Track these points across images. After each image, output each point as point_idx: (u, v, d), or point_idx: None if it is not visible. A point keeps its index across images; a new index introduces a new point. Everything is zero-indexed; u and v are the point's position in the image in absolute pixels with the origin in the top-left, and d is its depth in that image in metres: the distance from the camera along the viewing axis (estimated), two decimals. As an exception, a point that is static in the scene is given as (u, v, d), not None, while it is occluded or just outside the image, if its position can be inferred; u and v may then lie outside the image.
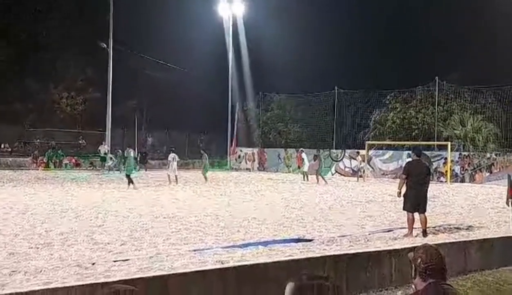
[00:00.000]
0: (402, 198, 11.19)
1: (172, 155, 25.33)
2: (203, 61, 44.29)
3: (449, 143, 30.22)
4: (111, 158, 34.52)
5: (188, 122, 43.79)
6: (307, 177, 28.64)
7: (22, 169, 33.39)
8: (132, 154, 23.71)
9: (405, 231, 10.96)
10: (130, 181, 21.78)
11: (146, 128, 45.19)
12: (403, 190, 11.19)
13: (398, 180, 12.55)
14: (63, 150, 37.83)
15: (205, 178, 26.06)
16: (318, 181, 27.18)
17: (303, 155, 29.74)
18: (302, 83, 42.55)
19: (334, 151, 36.24)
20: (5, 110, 39.84)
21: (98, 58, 40.57)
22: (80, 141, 41.59)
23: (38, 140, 39.38)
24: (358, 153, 33.14)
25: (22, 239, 9.65)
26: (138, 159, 33.79)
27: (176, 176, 24.67)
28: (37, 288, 5.84)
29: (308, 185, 26.15)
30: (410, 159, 12.89)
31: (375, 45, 48.71)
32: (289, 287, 2.11)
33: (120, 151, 25.39)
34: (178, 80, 47.24)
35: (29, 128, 41.32)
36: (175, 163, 25.13)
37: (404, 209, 11.10)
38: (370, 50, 48.57)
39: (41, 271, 7.09)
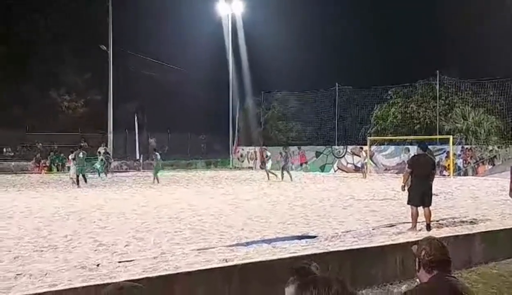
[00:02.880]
0: (406, 192, 11.20)
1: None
2: (202, 61, 44.28)
3: (451, 137, 30.20)
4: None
5: (189, 123, 43.78)
6: (267, 175, 27.62)
7: (25, 173, 33.43)
8: (81, 155, 24.95)
9: (409, 225, 10.95)
10: (80, 180, 23.91)
11: (147, 129, 45.20)
12: (408, 184, 11.19)
13: (401, 175, 12.54)
14: (65, 154, 37.77)
15: (156, 179, 25.46)
16: (289, 176, 26.46)
17: (267, 153, 29.14)
18: (302, 81, 42.62)
19: (336, 147, 36.25)
20: (6, 114, 39.85)
21: (98, 60, 40.57)
22: (82, 144, 41.56)
23: (40, 144, 39.38)
24: (361, 148, 33.08)
25: (27, 242, 9.67)
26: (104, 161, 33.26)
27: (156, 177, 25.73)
28: (42, 290, 5.86)
29: (272, 184, 25.05)
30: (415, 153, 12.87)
31: (375, 41, 48.69)
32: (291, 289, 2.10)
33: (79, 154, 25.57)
34: (178, 81, 47.26)
35: (30, 132, 41.34)
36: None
37: (408, 203, 11.08)
38: (370, 46, 48.53)
39: (46, 274, 7.09)
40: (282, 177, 26.68)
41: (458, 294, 3.12)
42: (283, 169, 27.19)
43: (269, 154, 28.88)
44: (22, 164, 36.05)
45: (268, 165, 28.16)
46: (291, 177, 26.55)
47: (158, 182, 25.14)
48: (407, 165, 11.79)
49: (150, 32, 46.09)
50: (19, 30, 43.78)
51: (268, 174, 27.68)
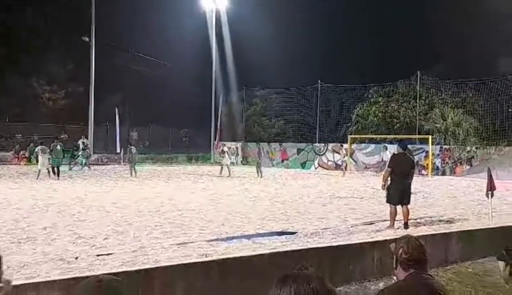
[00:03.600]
0: (386, 191, 11.30)
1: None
2: (186, 56, 44.10)
3: (430, 137, 30.49)
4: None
5: (172, 117, 43.64)
6: (228, 171, 27.35)
7: (4, 164, 32.97)
8: (59, 147, 25.37)
9: (387, 223, 11.06)
10: (58, 172, 24.03)
11: (129, 123, 44.93)
12: (388, 182, 11.30)
13: (380, 173, 12.64)
14: (45, 145, 37.31)
15: (131, 172, 25.62)
16: (259, 174, 26.75)
17: (225, 148, 29.84)
18: (285, 78, 42.62)
19: (317, 144, 36.38)
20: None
21: (81, 52, 40.15)
22: (62, 136, 41.17)
23: (19, 135, 38.93)
24: (342, 146, 33.24)
25: (5, 234, 9.59)
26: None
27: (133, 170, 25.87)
28: (19, 282, 5.82)
29: (223, 180, 24.78)
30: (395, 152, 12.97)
31: (358, 40, 48.89)
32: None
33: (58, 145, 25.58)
34: (161, 75, 46.98)
35: (10, 122, 40.81)
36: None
37: (387, 201, 11.18)
38: (353, 45, 48.73)
39: (24, 266, 7.06)
40: (260, 174, 26.87)
41: (434, 292, 3.17)
42: (257, 164, 27.83)
43: (226, 149, 29.60)
44: (1, 155, 35.60)
45: (224, 160, 28.30)
46: (261, 173, 26.90)
47: (135, 174, 25.28)
48: (387, 164, 11.88)
49: (134, 26, 45.71)
50: (1, 20, 43.14)
51: (222, 169, 27.70)
